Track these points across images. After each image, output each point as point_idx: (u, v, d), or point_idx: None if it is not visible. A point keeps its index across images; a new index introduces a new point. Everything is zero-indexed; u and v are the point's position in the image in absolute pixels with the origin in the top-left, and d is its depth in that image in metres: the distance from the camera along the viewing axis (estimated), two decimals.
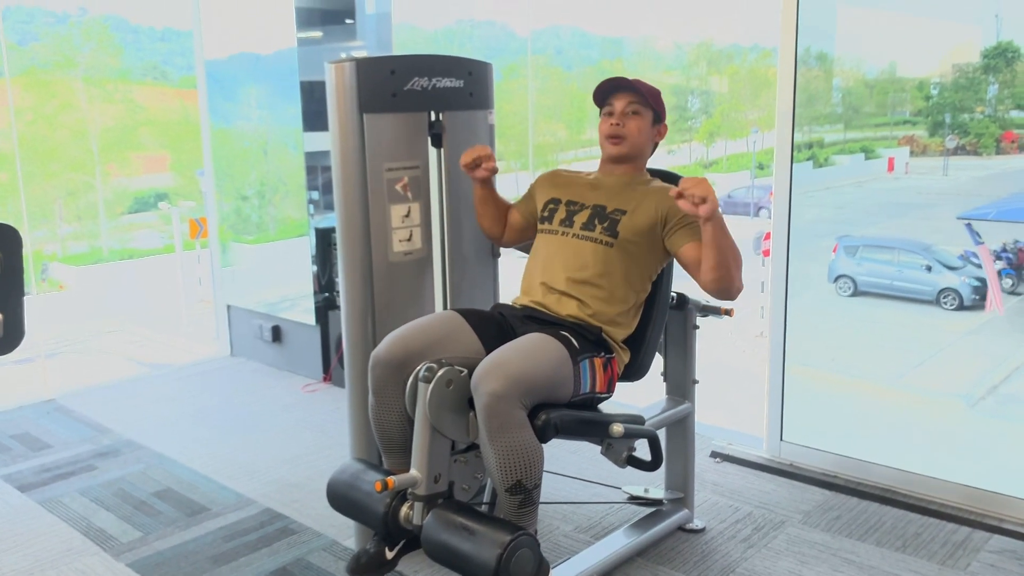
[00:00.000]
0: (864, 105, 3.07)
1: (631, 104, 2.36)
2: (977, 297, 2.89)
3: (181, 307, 9.56)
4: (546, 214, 2.44)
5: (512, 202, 2.62)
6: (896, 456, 3.05)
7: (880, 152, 3.15)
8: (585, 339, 2.21)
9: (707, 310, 2.71)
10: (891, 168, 3.10)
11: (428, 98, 2.61)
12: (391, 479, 1.95)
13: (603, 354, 2.25)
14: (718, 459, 3.36)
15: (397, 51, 4.67)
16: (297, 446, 3.59)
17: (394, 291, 2.60)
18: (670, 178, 2.49)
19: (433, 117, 2.69)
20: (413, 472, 2.02)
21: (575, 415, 2.09)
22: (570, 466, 3.25)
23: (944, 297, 3.07)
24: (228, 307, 4.87)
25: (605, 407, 2.32)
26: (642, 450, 2.36)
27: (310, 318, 4.36)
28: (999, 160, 2.78)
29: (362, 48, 4.69)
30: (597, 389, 2.21)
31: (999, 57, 2.68)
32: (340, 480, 2.16)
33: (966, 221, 2.83)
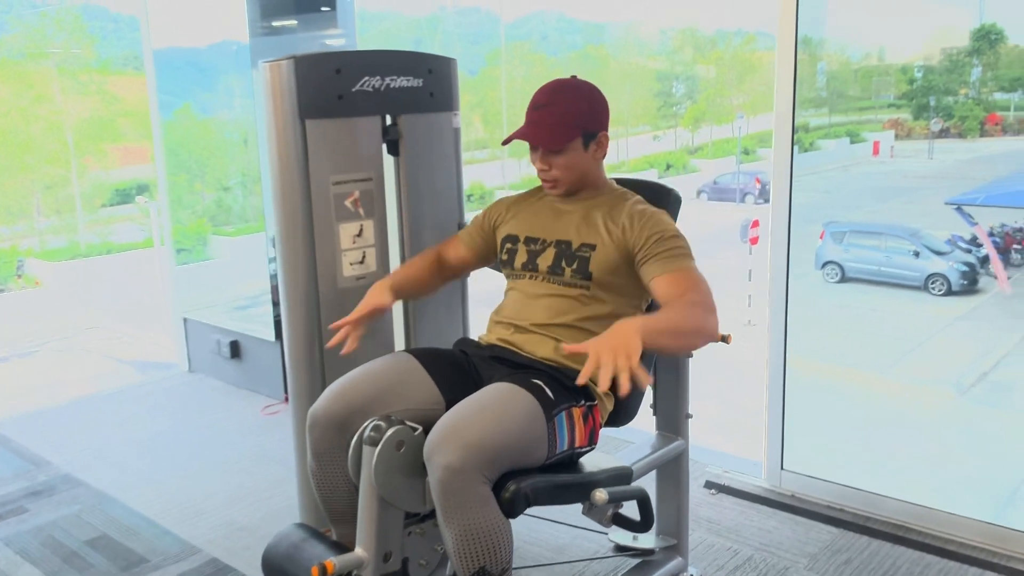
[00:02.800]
0: (849, 89, 3.00)
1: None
2: (965, 282, 2.84)
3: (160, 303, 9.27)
4: (505, 257, 2.12)
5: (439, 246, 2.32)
6: (895, 452, 2.87)
7: (865, 136, 3.09)
8: (561, 386, 1.89)
9: None
10: (876, 152, 3.04)
11: (381, 100, 2.29)
12: (330, 562, 1.65)
13: (583, 402, 1.93)
14: (713, 491, 3.07)
15: (378, 41, 4.37)
16: (252, 480, 3.27)
17: None
18: (640, 189, 2.18)
19: (388, 121, 2.37)
20: (358, 552, 1.71)
21: (550, 481, 1.78)
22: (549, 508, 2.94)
23: (932, 283, 2.99)
24: (184, 320, 4.53)
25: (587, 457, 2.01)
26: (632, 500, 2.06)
27: (269, 333, 4.04)
28: (984, 142, 2.73)
29: (340, 36, 4.38)
30: (576, 444, 1.90)
31: (982, 39, 2.63)
32: (276, 553, 1.85)
33: (955, 206, 2.77)
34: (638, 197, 2.08)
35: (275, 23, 4.35)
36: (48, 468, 3.44)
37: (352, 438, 1.79)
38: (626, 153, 28.03)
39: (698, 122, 30.24)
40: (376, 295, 2.11)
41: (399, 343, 2.43)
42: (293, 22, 4.46)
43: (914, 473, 2.88)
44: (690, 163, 28.78)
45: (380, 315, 2.11)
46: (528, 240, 2.08)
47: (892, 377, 2.98)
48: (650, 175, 25.99)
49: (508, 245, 2.11)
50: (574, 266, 1.98)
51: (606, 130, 2.04)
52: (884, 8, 2.86)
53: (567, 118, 1.97)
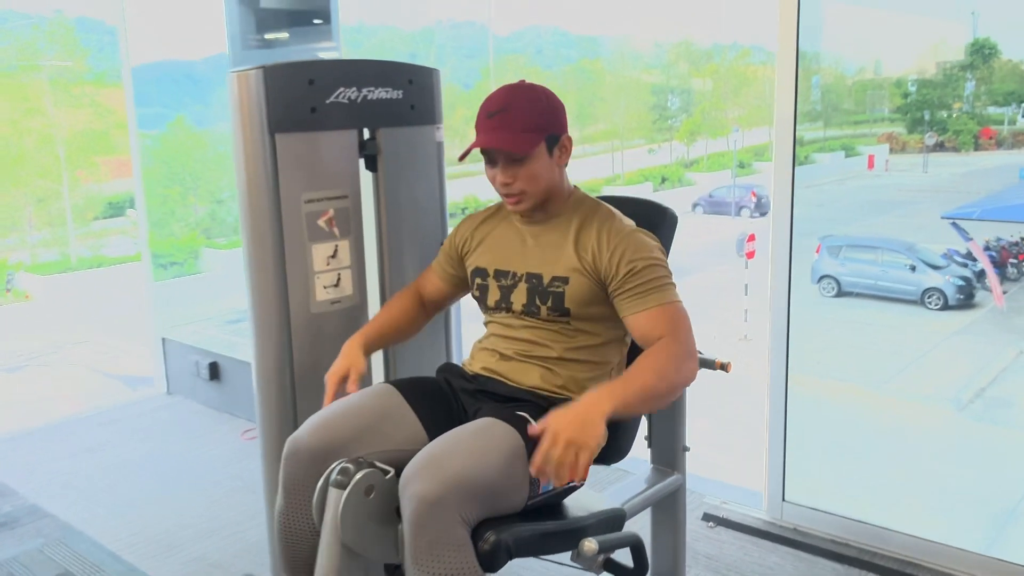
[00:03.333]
0: (844, 102, 3.01)
1: (512, 154, 1.81)
2: (962, 297, 2.81)
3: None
4: (477, 294, 1.97)
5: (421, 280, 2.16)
6: (897, 476, 2.77)
7: (860, 150, 3.07)
8: None
9: (700, 363, 2.25)
10: (871, 165, 3.03)
11: (358, 113, 2.15)
12: None
13: None
14: (711, 523, 2.92)
15: (374, 54, 4.27)
16: (226, 511, 3.12)
17: (318, 349, 2.13)
18: (634, 208, 2.03)
19: (367, 136, 2.23)
20: None
21: (535, 530, 1.64)
22: None
23: (928, 297, 2.98)
24: (163, 340, 4.38)
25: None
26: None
27: (248, 354, 3.88)
28: (977, 156, 2.73)
29: (334, 49, 4.26)
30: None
31: (976, 54, 2.62)
32: None
33: (951, 220, 2.76)
34: (607, 210, 1.89)
35: (268, 36, 4.25)
36: (13, 498, 3.28)
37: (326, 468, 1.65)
38: (621, 166, 27.95)
39: (693, 135, 30.21)
40: (347, 357, 1.93)
41: (377, 369, 2.28)
42: (285, 35, 4.35)
43: (916, 496, 2.79)
44: (685, 176, 28.72)
45: (358, 376, 1.91)
46: (498, 274, 1.92)
47: (890, 393, 2.92)
48: (645, 188, 25.90)
49: (478, 280, 1.96)
50: (548, 303, 1.83)
51: (567, 132, 1.87)
52: (879, 22, 2.81)
53: (528, 122, 1.78)
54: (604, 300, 1.82)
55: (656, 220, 2.03)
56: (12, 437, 3.93)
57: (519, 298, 1.87)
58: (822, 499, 2.86)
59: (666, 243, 2.03)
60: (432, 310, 2.15)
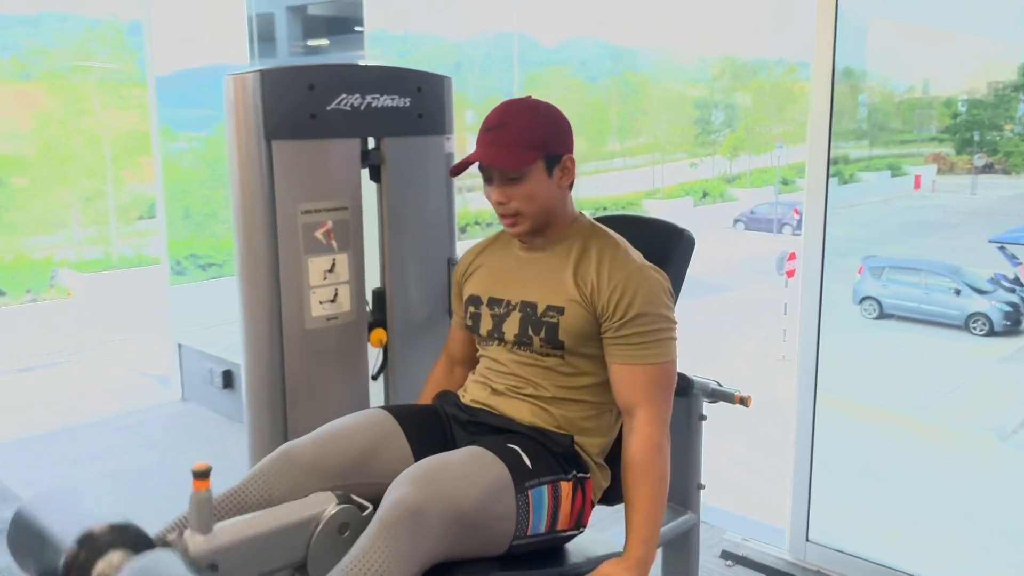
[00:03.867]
0: (890, 121, 2.88)
1: (506, 171, 1.70)
2: (1008, 323, 2.64)
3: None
4: (470, 323, 1.85)
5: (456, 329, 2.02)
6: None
7: (906, 169, 2.92)
8: (547, 452, 1.63)
9: (717, 396, 2.11)
10: (918, 186, 2.89)
11: (362, 120, 2.05)
12: None
13: (573, 473, 1.66)
14: (730, 562, 2.76)
15: (421, 64, 4.23)
16: None
17: (313, 367, 2.03)
18: (649, 228, 1.89)
19: (371, 144, 2.12)
20: None
21: None
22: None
23: (973, 322, 2.84)
24: (179, 346, 4.32)
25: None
26: None
27: None
28: None
29: (359, 58, 4.21)
30: (559, 526, 1.62)
31: None
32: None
33: (999, 244, 2.70)
34: (613, 239, 1.77)
35: (310, 43, 4.22)
36: (15, 504, 3.21)
37: (305, 494, 1.55)
38: (662, 180, 27.72)
39: (736, 151, 29.86)
40: None
41: (376, 393, 2.17)
42: (325, 42, 4.32)
43: (954, 533, 2.61)
44: (727, 192, 28.38)
45: None
46: (492, 302, 1.80)
47: (930, 420, 2.82)
48: (686, 202, 25.64)
49: (471, 308, 1.84)
50: (542, 334, 1.71)
51: (571, 153, 1.75)
52: (928, 40, 2.70)
53: (525, 138, 1.68)
54: (599, 337, 1.69)
55: (671, 243, 1.89)
56: (25, 440, 3.90)
57: (511, 328, 1.75)
58: (850, 535, 2.71)
59: (681, 268, 1.89)
60: (469, 369, 1.99)
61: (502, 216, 1.74)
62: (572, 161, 1.75)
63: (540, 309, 1.73)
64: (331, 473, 1.61)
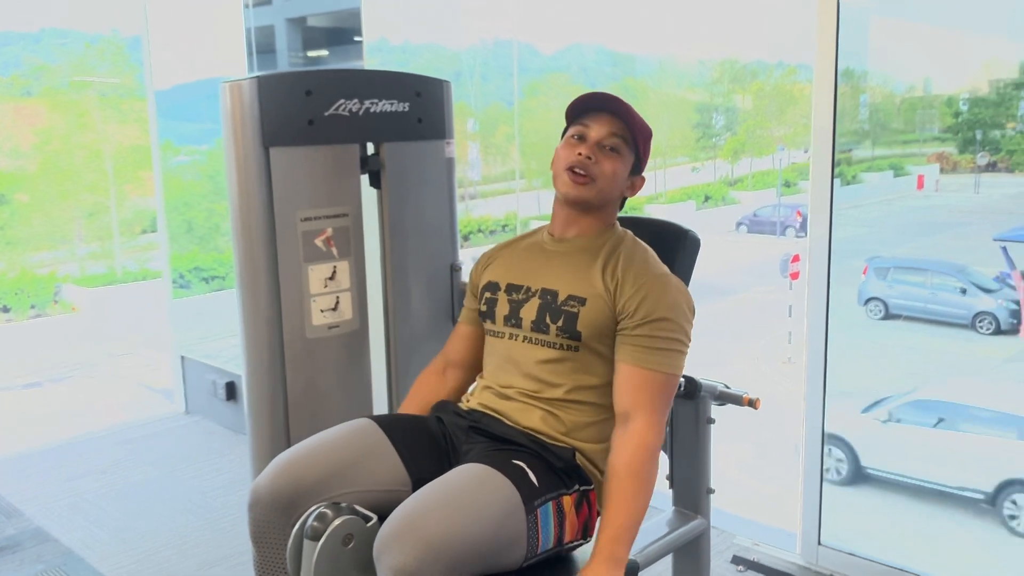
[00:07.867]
0: (892, 121, 2.94)
1: (613, 136, 1.70)
2: (1015, 321, 2.63)
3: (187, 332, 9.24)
4: (484, 308, 1.82)
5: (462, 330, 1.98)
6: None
7: (909, 169, 2.93)
8: (548, 467, 1.60)
9: (725, 398, 2.08)
10: (921, 186, 2.91)
11: (360, 126, 2.03)
12: None
13: (577, 487, 1.63)
14: (741, 567, 2.73)
15: (417, 72, 4.22)
16: (232, 539, 3.01)
17: (315, 376, 2.01)
18: (652, 228, 1.88)
19: (370, 150, 2.10)
20: None
21: None
22: None
23: (980, 321, 2.84)
24: (182, 358, 4.30)
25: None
26: None
27: None
28: None
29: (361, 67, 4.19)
30: (565, 539, 1.60)
31: None
32: None
33: (1002, 243, 2.67)
34: (643, 247, 1.77)
35: (309, 54, 4.22)
36: (19, 520, 3.20)
37: (301, 512, 1.51)
38: (663, 184, 27.70)
39: (738, 154, 29.84)
40: None
41: (379, 401, 2.14)
42: (324, 53, 4.32)
43: (967, 534, 2.59)
44: (729, 195, 28.35)
45: None
46: (510, 288, 1.78)
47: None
48: (688, 206, 25.60)
49: (488, 294, 1.82)
50: (559, 323, 1.68)
51: (643, 178, 1.80)
52: (928, 39, 2.68)
53: (642, 133, 1.74)
54: (615, 334, 1.66)
55: (675, 243, 1.87)
56: (28, 455, 3.89)
57: (529, 314, 1.72)
58: (863, 535, 2.68)
59: (687, 268, 1.87)
60: (471, 377, 1.96)
61: (576, 170, 1.70)
62: (642, 181, 1.79)
63: (561, 298, 1.70)
64: (310, 491, 1.54)
